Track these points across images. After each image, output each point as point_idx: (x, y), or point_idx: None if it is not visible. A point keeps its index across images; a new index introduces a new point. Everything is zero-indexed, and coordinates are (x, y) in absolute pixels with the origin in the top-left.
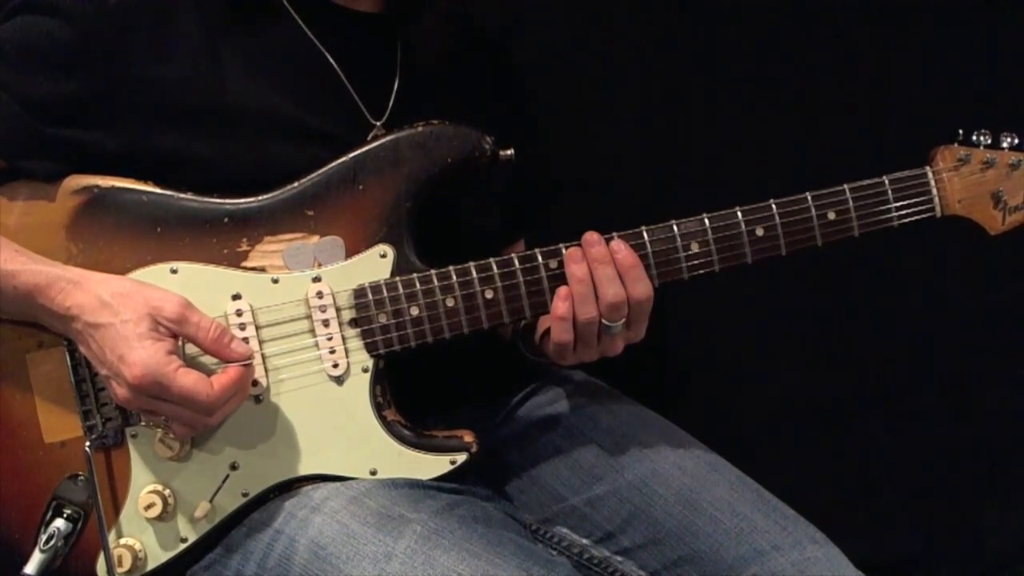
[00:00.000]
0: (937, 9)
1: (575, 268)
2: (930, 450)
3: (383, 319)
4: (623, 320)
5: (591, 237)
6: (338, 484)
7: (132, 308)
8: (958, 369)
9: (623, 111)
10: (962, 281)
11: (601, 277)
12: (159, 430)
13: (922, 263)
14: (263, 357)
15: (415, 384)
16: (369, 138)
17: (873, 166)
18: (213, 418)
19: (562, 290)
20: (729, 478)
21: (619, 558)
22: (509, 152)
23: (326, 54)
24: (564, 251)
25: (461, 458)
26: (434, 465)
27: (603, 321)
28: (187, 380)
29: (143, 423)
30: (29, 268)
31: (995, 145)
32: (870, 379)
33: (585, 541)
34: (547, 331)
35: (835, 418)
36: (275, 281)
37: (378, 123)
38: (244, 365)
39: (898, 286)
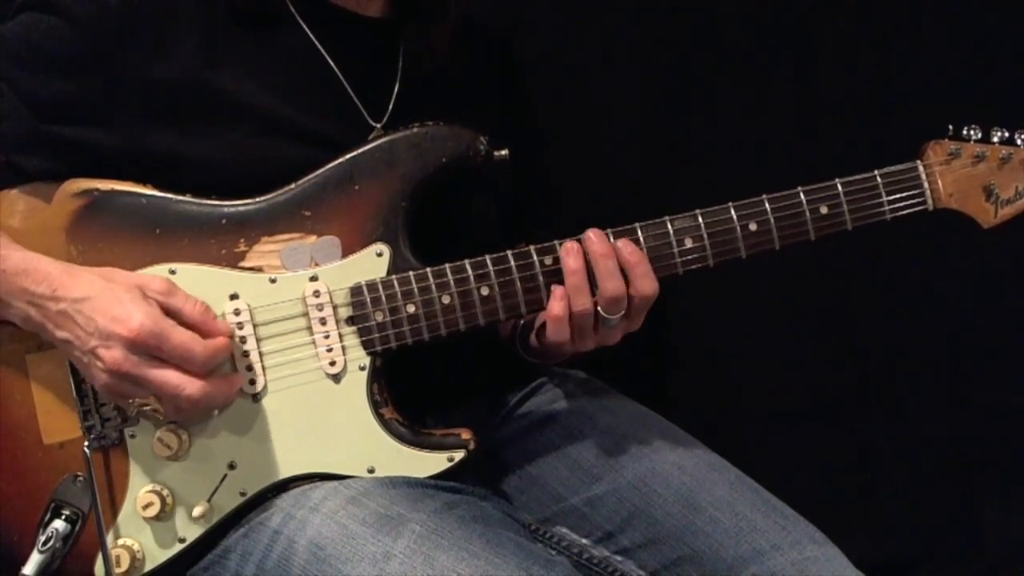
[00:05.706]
0: (937, 9)
1: (570, 260)
2: (930, 450)
3: (379, 317)
4: (621, 313)
5: (593, 233)
6: (336, 484)
7: (119, 281)
8: (958, 369)
9: (622, 111)
10: (962, 281)
11: (603, 271)
12: (157, 430)
13: (922, 262)
14: (260, 356)
15: (413, 384)
16: (368, 140)
17: (872, 164)
18: (199, 397)
19: (558, 289)
20: (729, 478)
21: (619, 558)
22: (503, 152)
23: (327, 57)
24: (559, 246)
25: (459, 455)
26: (432, 463)
27: (601, 313)
28: (183, 333)
29: (127, 408)
30: (20, 254)
31: (985, 139)
32: (870, 378)
33: (585, 541)
34: (543, 325)
35: (835, 418)
36: (272, 281)
37: (378, 126)
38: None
39: (898, 285)
